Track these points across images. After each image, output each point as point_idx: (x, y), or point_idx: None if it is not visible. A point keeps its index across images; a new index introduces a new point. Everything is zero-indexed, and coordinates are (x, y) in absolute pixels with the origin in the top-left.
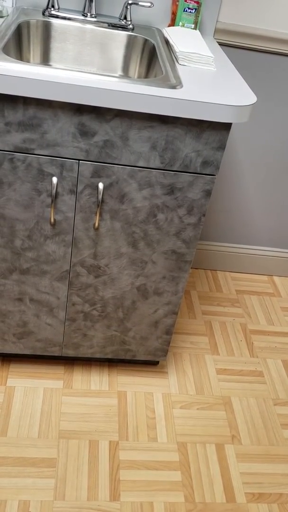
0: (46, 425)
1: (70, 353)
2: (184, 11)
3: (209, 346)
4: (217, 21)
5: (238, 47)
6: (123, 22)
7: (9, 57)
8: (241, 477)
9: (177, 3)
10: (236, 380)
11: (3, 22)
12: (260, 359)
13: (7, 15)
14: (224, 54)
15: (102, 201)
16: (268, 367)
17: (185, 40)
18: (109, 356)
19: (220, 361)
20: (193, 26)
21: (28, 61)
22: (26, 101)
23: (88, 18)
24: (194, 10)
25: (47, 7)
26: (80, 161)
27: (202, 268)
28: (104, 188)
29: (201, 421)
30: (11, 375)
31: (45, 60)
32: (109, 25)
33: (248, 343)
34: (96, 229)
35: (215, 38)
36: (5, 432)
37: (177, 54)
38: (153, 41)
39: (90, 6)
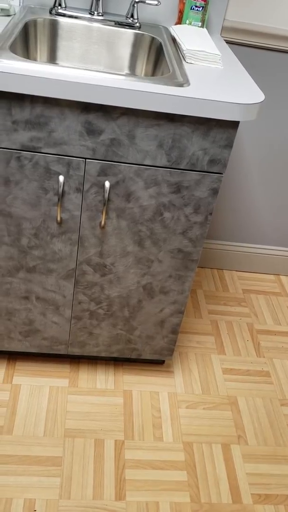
0: (51, 424)
1: (76, 351)
2: (191, 9)
3: (215, 345)
4: (224, 19)
5: (245, 45)
6: (130, 21)
7: (16, 56)
8: (247, 477)
9: (184, 1)
10: (242, 380)
11: (10, 21)
12: (266, 359)
13: (14, 14)
14: (232, 52)
15: (109, 199)
16: (275, 367)
17: (192, 38)
18: (115, 355)
19: (227, 361)
20: (200, 24)
21: (35, 59)
22: (33, 100)
23: (95, 17)
24: (201, 8)
25: (54, 6)
26: (87, 160)
27: (209, 267)
28: (111, 186)
29: (207, 421)
30: (17, 373)
31: (52, 58)
32: (116, 24)
33: (254, 343)
34: (102, 228)
35: (222, 36)
36: (11, 430)
37: (184, 52)
38: (160, 39)
39: (97, 4)
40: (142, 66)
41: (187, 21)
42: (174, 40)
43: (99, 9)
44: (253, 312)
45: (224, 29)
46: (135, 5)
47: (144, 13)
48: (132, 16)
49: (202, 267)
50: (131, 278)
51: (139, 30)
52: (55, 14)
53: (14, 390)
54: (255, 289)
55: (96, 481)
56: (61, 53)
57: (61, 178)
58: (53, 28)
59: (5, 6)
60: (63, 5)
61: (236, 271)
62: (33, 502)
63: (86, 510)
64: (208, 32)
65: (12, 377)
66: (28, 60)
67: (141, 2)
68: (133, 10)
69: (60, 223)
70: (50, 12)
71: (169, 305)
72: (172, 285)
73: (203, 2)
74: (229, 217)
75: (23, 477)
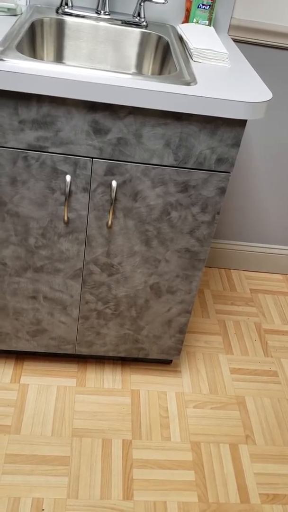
0: (59, 423)
1: (84, 351)
2: (198, 7)
3: (223, 345)
4: (231, 18)
5: (253, 43)
6: (137, 19)
7: (22, 55)
8: (255, 477)
9: None
10: (250, 380)
11: (17, 20)
12: (274, 358)
13: (21, 13)
14: (239, 50)
15: (116, 199)
16: (283, 367)
17: (199, 37)
18: (122, 355)
19: (234, 361)
20: (207, 22)
21: (41, 59)
22: (39, 99)
23: (102, 16)
24: (208, 6)
25: (61, 5)
26: (94, 159)
27: (216, 267)
28: (118, 186)
29: (214, 420)
30: (25, 373)
31: (59, 58)
32: (122, 23)
33: (262, 342)
34: (109, 227)
35: (229, 35)
36: (18, 430)
37: (191, 50)
38: (167, 38)
39: (103, 3)
40: (149, 65)
41: (194, 20)
42: (181, 38)
43: (105, 8)
44: (260, 311)
45: (231, 27)
46: (142, 4)
47: (151, 12)
48: (139, 15)
49: (209, 267)
50: (138, 277)
51: (146, 29)
52: (62, 14)
53: (22, 389)
54: (262, 289)
55: (103, 481)
56: (67, 52)
57: (68, 177)
58: (60, 27)
59: (11, 5)
60: (70, 4)
61: (244, 270)
62: (41, 501)
63: (94, 509)
64: (216, 30)
65: (20, 376)
66: (34, 59)
67: (148, 0)
68: (140, 9)
69: (67, 223)
70: (57, 12)
71: (176, 304)
72: (180, 285)
73: (210, 1)
74: (237, 217)
75: (31, 477)
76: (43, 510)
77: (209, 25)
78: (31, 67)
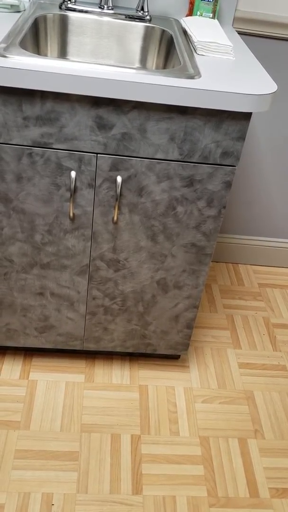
0: (68, 419)
1: (91, 347)
2: (202, 0)
3: (231, 340)
4: (236, 10)
5: (257, 35)
6: (140, 13)
7: (26, 52)
8: (265, 472)
9: None
10: (258, 374)
11: (20, 17)
12: (283, 353)
13: (24, 10)
14: (243, 43)
15: (121, 194)
16: None
17: (203, 30)
18: (130, 350)
19: (242, 355)
20: (211, 15)
21: (45, 55)
22: (43, 95)
23: (105, 11)
24: None
25: (64, 1)
26: (98, 155)
27: (223, 262)
28: (123, 181)
29: (223, 415)
30: (33, 369)
31: (63, 54)
32: (126, 17)
33: (270, 337)
34: (115, 223)
35: (234, 27)
36: (28, 426)
37: (195, 44)
38: (170, 32)
39: None
40: (153, 59)
41: (198, 13)
42: (185, 32)
43: (109, 2)
44: (269, 306)
45: (235, 19)
46: None
47: (154, 5)
48: (142, 9)
49: (216, 262)
50: (145, 273)
51: (149, 23)
52: (65, 9)
53: (31, 385)
54: (270, 283)
55: (113, 476)
56: (71, 48)
57: (73, 173)
58: (63, 23)
59: (15, 2)
60: None
61: (251, 265)
62: (51, 496)
63: (104, 504)
64: (220, 23)
65: (29, 373)
66: (38, 55)
67: None
68: (143, 2)
69: (72, 219)
70: (60, 7)
71: (183, 299)
72: (186, 280)
73: None
74: (243, 210)
75: (40, 472)
76: (53, 505)
77: (213, 17)
78: (34, 64)
